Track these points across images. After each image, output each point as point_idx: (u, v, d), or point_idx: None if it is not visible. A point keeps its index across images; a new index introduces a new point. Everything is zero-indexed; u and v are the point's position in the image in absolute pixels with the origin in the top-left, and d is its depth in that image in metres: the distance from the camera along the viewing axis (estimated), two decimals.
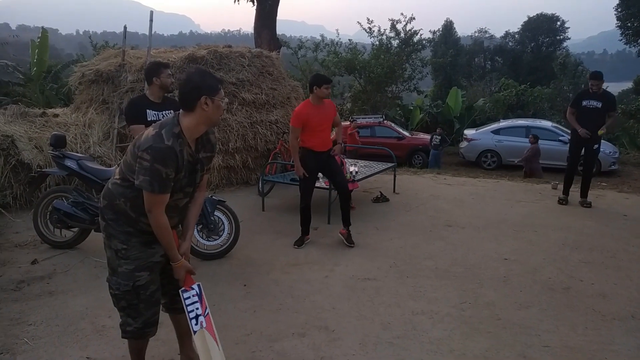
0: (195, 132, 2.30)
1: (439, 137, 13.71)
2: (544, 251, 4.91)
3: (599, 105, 6.30)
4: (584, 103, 6.42)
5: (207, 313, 2.47)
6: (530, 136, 11.47)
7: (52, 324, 3.31)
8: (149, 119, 4.01)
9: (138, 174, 2.17)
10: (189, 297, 2.44)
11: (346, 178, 5.22)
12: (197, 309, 2.44)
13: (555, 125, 15.03)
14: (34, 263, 4.36)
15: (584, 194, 6.71)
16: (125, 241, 2.34)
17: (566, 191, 6.87)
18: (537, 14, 43.14)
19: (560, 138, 13.52)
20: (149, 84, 4.12)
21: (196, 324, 2.42)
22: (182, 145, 2.24)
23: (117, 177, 2.35)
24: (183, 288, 2.45)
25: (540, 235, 5.41)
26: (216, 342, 2.45)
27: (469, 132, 15.90)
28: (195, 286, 2.47)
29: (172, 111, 4.17)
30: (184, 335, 2.73)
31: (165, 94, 4.25)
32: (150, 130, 2.25)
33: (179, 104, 2.29)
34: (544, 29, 41.53)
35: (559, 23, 41.77)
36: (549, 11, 44.56)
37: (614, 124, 6.52)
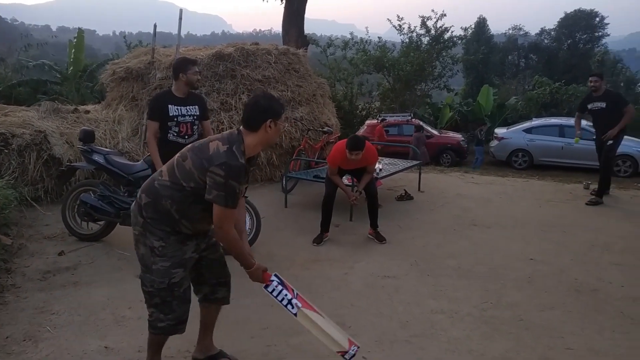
0: (254, 151, 2.41)
1: (482, 133, 13.66)
2: (572, 252, 4.76)
3: (603, 105, 6.38)
4: (590, 106, 6.58)
5: (297, 294, 2.51)
6: (414, 127, 13.32)
7: (74, 313, 3.39)
8: (170, 114, 4.07)
9: (211, 189, 2.23)
10: (273, 290, 2.48)
11: (375, 181, 5.21)
12: (285, 295, 2.47)
13: (590, 124, 14.53)
14: (61, 254, 4.49)
15: (598, 192, 6.62)
16: (164, 238, 2.37)
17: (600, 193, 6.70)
18: (574, 10, 41.86)
19: (595, 137, 13.08)
20: (175, 80, 4.18)
21: (292, 308, 2.46)
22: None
23: (167, 178, 2.37)
24: (264, 285, 2.48)
25: (569, 236, 5.24)
26: (317, 312, 2.51)
27: (500, 131, 15.56)
28: (273, 277, 2.49)
29: (196, 107, 4.22)
30: (209, 327, 2.77)
31: (191, 90, 4.30)
32: (219, 145, 2.28)
33: (243, 124, 2.36)
34: (582, 26, 40.23)
35: (597, 19, 40.41)
36: (587, 7, 43.11)
37: (630, 119, 6.44)
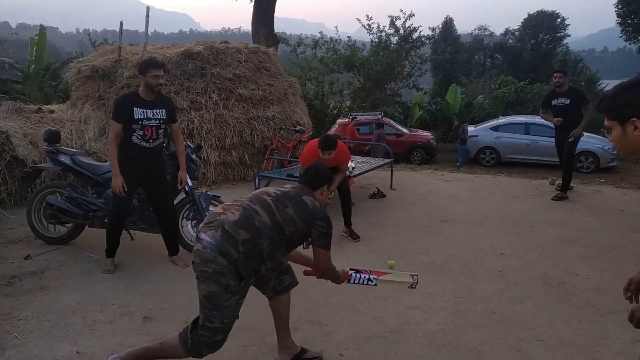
0: None
1: (465, 131, 13.87)
2: (540, 246, 4.89)
3: (567, 101, 6.46)
4: (554, 102, 6.61)
5: (370, 271, 2.86)
6: (376, 122, 14.06)
7: (43, 318, 3.29)
8: (135, 117, 3.88)
9: (320, 238, 2.53)
10: (354, 280, 2.84)
11: (348, 180, 5.22)
12: (364, 278, 2.83)
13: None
14: (27, 258, 4.34)
15: (562, 187, 6.80)
16: (245, 278, 2.37)
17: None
18: (537, 11, 43.09)
19: (555, 134, 13.48)
20: (141, 81, 4.04)
21: (372, 282, 2.83)
22: None
23: (267, 220, 2.40)
24: (345, 281, 2.85)
25: (537, 231, 5.38)
26: (386, 273, 2.87)
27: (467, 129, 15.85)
28: (350, 272, 2.83)
29: (163, 110, 4.02)
30: (285, 322, 2.82)
31: (161, 93, 4.17)
32: (314, 201, 2.56)
33: (309, 184, 2.65)
34: (544, 26, 41.45)
35: (559, 20, 41.70)
36: (549, 8, 44.45)
37: (590, 118, 6.66)
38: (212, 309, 2.30)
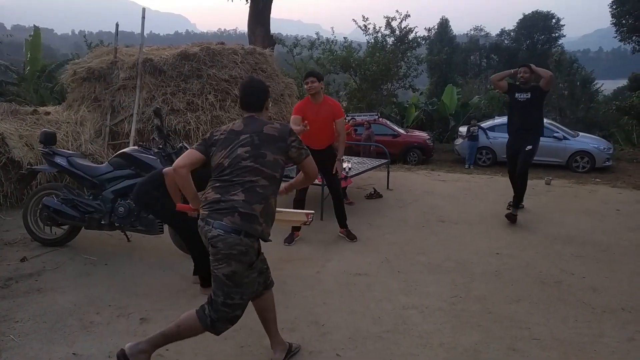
0: None
1: (476, 128, 13.81)
2: (536, 246, 4.91)
3: (528, 95, 5.67)
4: (517, 95, 5.79)
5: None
6: (365, 123, 13.94)
7: (39, 320, 3.28)
8: None
9: (301, 151, 2.61)
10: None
11: (339, 181, 5.17)
12: None
13: (550, 122, 15.03)
14: (23, 261, 4.33)
15: (514, 202, 5.83)
16: (259, 251, 2.54)
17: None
18: (532, 12, 43.28)
19: (555, 135, 13.54)
20: None
21: None
22: None
23: (265, 181, 2.46)
24: None
25: (533, 230, 5.41)
26: (282, 212, 2.95)
27: (464, 129, 15.89)
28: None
29: None
30: (274, 319, 2.85)
31: None
32: (273, 126, 2.60)
33: (251, 108, 2.69)
34: (540, 27, 41.65)
35: (554, 20, 41.92)
36: (544, 9, 44.67)
37: (550, 81, 5.64)
38: (232, 286, 2.42)
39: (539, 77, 5.70)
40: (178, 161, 2.60)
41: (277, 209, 2.67)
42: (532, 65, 5.77)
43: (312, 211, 3.03)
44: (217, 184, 2.48)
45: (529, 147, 5.64)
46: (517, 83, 5.85)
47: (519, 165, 5.72)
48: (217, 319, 2.46)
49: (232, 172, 2.46)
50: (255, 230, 2.41)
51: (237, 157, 2.47)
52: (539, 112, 5.76)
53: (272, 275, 2.85)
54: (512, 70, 6.03)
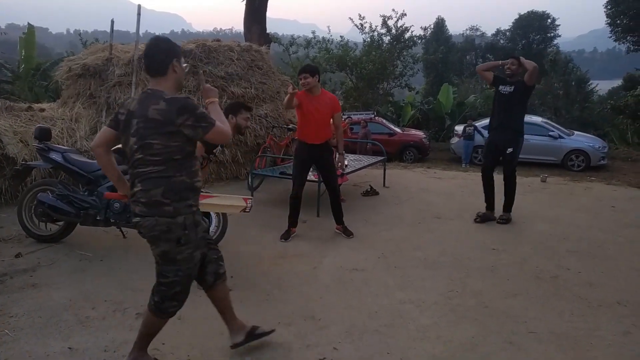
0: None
1: (472, 127, 13.82)
2: (532, 242, 4.93)
3: (512, 89, 5.41)
4: (500, 87, 5.54)
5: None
6: (362, 121, 13.96)
7: (34, 315, 3.26)
8: None
9: (196, 129, 2.40)
10: None
11: (337, 177, 5.16)
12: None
13: (545, 121, 15.10)
14: (18, 257, 4.30)
15: (506, 207, 5.72)
16: (188, 227, 2.43)
17: (489, 206, 5.79)
18: (528, 12, 43.43)
19: (550, 133, 13.60)
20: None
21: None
22: None
23: (157, 166, 2.40)
24: None
25: (529, 226, 5.42)
26: (212, 196, 3.02)
27: (459, 128, 15.92)
28: None
29: None
30: (230, 306, 2.85)
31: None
32: (156, 105, 2.41)
33: (151, 73, 2.50)
34: (535, 27, 41.81)
35: (549, 20, 42.07)
36: (539, 9, 44.88)
37: (535, 73, 5.33)
38: (163, 264, 2.46)
39: (526, 71, 5.41)
40: (94, 141, 2.61)
41: (214, 194, 2.66)
42: (522, 58, 5.52)
43: (251, 197, 2.97)
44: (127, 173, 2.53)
45: (510, 149, 5.50)
46: (505, 76, 5.58)
47: (504, 169, 5.64)
48: (159, 299, 2.49)
49: (131, 164, 2.46)
50: (164, 212, 2.38)
51: (131, 148, 2.43)
52: (520, 107, 5.49)
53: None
54: (499, 62, 5.85)
